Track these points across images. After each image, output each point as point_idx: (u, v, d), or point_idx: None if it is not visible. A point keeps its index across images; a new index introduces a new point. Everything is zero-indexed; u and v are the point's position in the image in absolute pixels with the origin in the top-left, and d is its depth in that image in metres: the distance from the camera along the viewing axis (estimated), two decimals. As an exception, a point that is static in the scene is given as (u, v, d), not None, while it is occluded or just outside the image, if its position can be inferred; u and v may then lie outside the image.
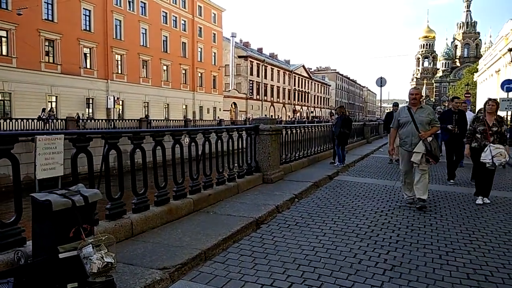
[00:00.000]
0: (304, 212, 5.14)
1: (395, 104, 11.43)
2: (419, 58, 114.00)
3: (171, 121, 37.65)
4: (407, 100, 5.88)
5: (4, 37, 26.81)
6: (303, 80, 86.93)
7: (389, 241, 3.99)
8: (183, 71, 46.27)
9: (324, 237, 4.10)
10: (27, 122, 22.99)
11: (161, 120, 36.26)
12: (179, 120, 38.40)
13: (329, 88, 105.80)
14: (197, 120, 43.24)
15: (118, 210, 3.79)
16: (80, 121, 26.28)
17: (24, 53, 27.41)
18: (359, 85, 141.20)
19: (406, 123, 5.56)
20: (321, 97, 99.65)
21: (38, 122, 23.75)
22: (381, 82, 22.32)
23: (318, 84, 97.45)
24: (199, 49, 49.21)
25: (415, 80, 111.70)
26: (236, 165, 6.43)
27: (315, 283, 2.97)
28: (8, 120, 22.92)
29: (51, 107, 28.78)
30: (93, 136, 3.58)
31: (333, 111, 13.56)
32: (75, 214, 2.64)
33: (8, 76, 26.53)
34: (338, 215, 5.02)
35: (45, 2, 29.31)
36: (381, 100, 29.87)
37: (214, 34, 52.65)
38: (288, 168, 8.20)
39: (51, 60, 30.11)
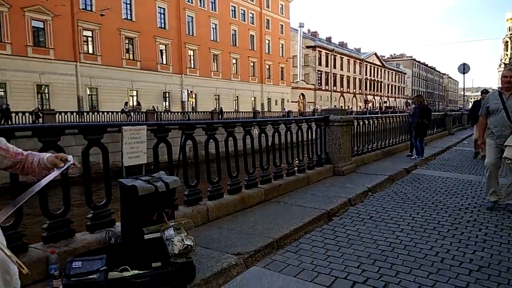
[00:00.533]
0: (379, 206, 4.94)
1: (484, 91, 10.15)
2: (507, 42, 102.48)
3: (241, 113, 38.55)
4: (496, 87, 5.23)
5: (89, 37, 29.42)
6: (376, 69, 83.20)
7: (475, 240, 3.68)
8: (252, 64, 46.95)
9: (401, 233, 3.90)
10: (112, 115, 25.13)
11: (231, 112, 37.31)
12: (248, 112, 39.18)
13: (404, 76, 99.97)
14: (265, 112, 43.74)
15: (195, 196, 3.98)
16: (155, 113, 28.04)
17: (107, 51, 29.88)
18: (439, 72, 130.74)
19: (496, 110, 4.76)
20: (395, 86, 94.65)
21: (121, 115, 25.86)
22: (463, 68, 20.53)
23: (392, 72, 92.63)
24: (267, 41, 49.48)
25: (502, 66, 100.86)
26: (305, 156, 6.39)
27: (393, 279, 2.84)
28: (95, 113, 25.29)
29: (138, 101, 30.98)
30: (172, 127, 3.78)
31: (409, 100, 12.76)
32: (158, 199, 2.83)
33: (94, 73, 29.15)
34: (417, 210, 4.74)
35: (124, 3, 31.51)
36: (464, 88, 27.50)
37: (282, 25, 52.51)
38: (360, 160, 7.93)
39: (131, 57, 32.42)
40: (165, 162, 3.81)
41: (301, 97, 58.74)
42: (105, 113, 25.16)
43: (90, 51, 29.52)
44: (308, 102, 59.26)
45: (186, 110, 34.48)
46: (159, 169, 3.58)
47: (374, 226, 4.13)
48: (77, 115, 24.02)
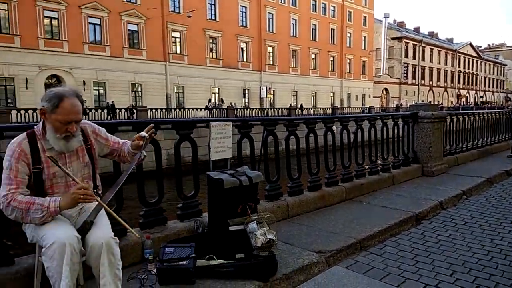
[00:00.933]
0: (475, 211, 4.50)
1: None
2: None
3: (319, 109, 38.02)
4: None
5: (177, 37, 31.36)
6: (470, 60, 75.75)
7: None
8: (331, 58, 45.93)
9: (501, 241, 3.51)
10: (195, 111, 26.56)
11: (309, 108, 36.99)
12: (327, 108, 38.45)
13: (503, 68, 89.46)
14: (345, 108, 42.51)
15: (275, 192, 4.03)
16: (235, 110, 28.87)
17: (193, 50, 31.59)
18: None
19: None
20: (493, 79, 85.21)
21: (204, 111, 27.20)
22: None
23: (489, 64, 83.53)
24: (348, 34, 47.93)
25: None
26: (390, 155, 6.07)
27: (492, 292, 2.58)
28: (182, 109, 26.95)
29: (221, 98, 32.36)
30: (254, 123, 3.86)
31: (509, 95, 11.38)
32: (242, 192, 2.91)
33: (181, 72, 31.04)
34: (520, 217, 4.23)
35: (209, 3, 32.96)
36: None
37: (365, 17, 50.42)
38: (452, 160, 7.30)
39: (214, 56, 33.87)
40: (247, 157, 3.91)
41: (384, 92, 55.94)
42: (190, 110, 26.67)
43: (178, 51, 31.46)
44: (391, 97, 56.22)
45: (264, 107, 35.00)
46: (242, 164, 3.69)
47: (469, 232, 3.78)
48: (166, 112, 25.82)
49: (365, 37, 50.91)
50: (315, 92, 43.67)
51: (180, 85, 31.58)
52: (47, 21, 24.46)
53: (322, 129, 4.67)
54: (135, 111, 23.86)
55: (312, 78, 42.95)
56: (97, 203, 2.04)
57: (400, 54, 58.24)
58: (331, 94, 46.26)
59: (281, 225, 3.76)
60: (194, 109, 26.69)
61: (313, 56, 43.48)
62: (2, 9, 22.68)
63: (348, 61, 48.23)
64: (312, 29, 43.07)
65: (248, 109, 31.91)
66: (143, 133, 2.31)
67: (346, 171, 5.03)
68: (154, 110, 24.01)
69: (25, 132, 2.07)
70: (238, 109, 29.95)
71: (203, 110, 27.24)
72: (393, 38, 58.14)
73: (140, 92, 29.37)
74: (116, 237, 2.07)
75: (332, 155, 4.81)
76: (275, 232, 2.83)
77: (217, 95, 33.97)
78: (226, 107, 28.53)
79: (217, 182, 2.87)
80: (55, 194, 2.06)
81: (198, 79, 32.09)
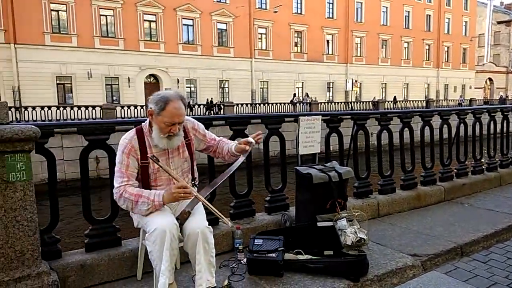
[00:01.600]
0: None
1: None
2: None
3: (411, 101, 35.57)
4: None
5: (263, 34, 31.83)
6: None
7: None
8: (426, 47, 42.44)
9: None
10: (279, 106, 26.78)
11: (400, 101, 34.81)
12: (420, 101, 35.77)
13: None
14: (441, 100, 39.09)
15: (365, 189, 3.87)
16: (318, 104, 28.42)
17: (277, 46, 31.79)
18: None
19: None
20: None
21: (287, 106, 27.30)
22: None
23: None
24: (447, 20, 43.76)
25: None
26: (498, 152, 5.41)
27: None
28: (266, 105, 27.41)
29: (306, 93, 32.17)
30: (344, 117, 3.74)
31: None
32: (331, 188, 2.85)
33: (266, 67, 31.49)
34: None
35: (294, -3, 32.81)
36: None
37: (466, 0, 45.56)
38: None
39: (298, 50, 33.68)
40: (335, 152, 3.81)
41: (487, 82, 50.16)
42: (274, 105, 26.99)
43: (263, 47, 31.97)
44: (496, 88, 50.15)
45: (350, 100, 33.82)
46: (330, 159, 3.61)
47: None
48: (251, 107, 26.50)
49: (466, 22, 46.00)
50: (407, 84, 40.85)
51: (264, 80, 32.08)
52: (146, 24, 26.70)
53: (418, 123, 4.35)
54: (222, 106, 24.93)
55: (404, 69, 40.21)
56: (196, 193, 2.17)
57: (508, 40, 51.54)
58: (425, 86, 42.83)
59: (370, 224, 3.57)
60: (278, 104, 26.94)
61: (405, 45, 40.62)
62: (108, 15, 25.32)
63: (445, 49, 44.12)
64: (405, 16, 40.20)
65: (333, 103, 31.16)
66: (251, 139, 2.40)
67: (445, 169, 4.63)
68: (240, 106, 24.80)
69: (135, 129, 2.27)
70: (322, 103, 29.42)
71: (286, 104, 27.33)
72: (499, 22, 51.71)
73: (227, 89, 30.55)
74: (210, 227, 2.18)
75: (430, 151, 4.45)
76: (366, 231, 2.71)
77: (300, 89, 33.77)
78: (310, 101, 28.25)
79: (306, 177, 2.85)
80: (158, 186, 2.25)
81: (282, 74, 32.25)
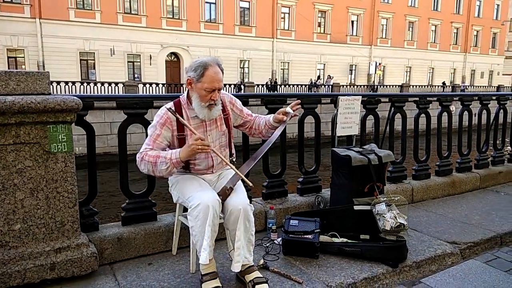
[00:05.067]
0: None
1: None
2: None
3: (435, 86, 34.54)
4: None
5: (286, 13, 31.16)
6: None
7: None
8: (455, 30, 40.83)
9: None
10: (300, 87, 26.43)
11: (423, 86, 33.84)
12: (445, 86, 34.69)
13: None
14: (467, 86, 37.82)
15: (399, 174, 3.76)
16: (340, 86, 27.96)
17: (300, 26, 31.10)
18: None
19: None
20: None
21: (308, 88, 26.92)
22: None
23: None
24: (478, 3, 41.84)
25: None
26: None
27: None
28: (286, 86, 27.09)
29: (328, 75, 31.55)
30: (382, 98, 3.60)
31: None
32: (370, 171, 2.76)
33: (287, 48, 30.95)
34: None
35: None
36: None
37: (500, -19, 43.40)
38: None
39: (322, 31, 32.89)
40: (368, 134, 3.70)
41: (517, 68, 48.11)
42: (294, 86, 26.64)
43: (286, 27, 31.35)
44: (527, 75, 48.08)
45: (372, 84, 33.05)
46: (365, 141, 3.51)
47: None
48: (271, 88, 26.22)
49: (498, 5, 43.88)
50: (432, 68, 39.59)
51: (285, 61, 31.58)
52: (169, 1, 26.45)
53: (458, 108, 4.18)
54: (242, 87, 24.77)
55: (430, 53, 38.88)
56: (234, 172, 2.11)
57: (544, 23, 48.98)
58: (451, 71, 41.45)
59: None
60: (298, 86, 26.57)
61: (433, 28, 39.13)
62: (131, -7, 25.24)
63: (475, 33, 42.35)
64: (434, -3, 38.68)
65: (355, 86, 30.52)
66: (289, 109, 2.33)
67: (481, 156, 4.47)
68: (260, 86, 24.56)
69: (173, 101, 2.22)
70: (343, 86, 28.87)
71: (306, 86, 26.94)
72: (535, 4, 49.02)
73: (247, 69, 30.25)
74: (251, 205, 2.13)
75: (467, 137, 4.28)
76: (406, 216, 2.63)
77: (322, 71, 33.15)
78: (332, 83, 27.75)
79: (344, 159, 2.76)
80: (196, 159, 2.21)
81: (303, 55, 31.64)
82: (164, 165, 2.02)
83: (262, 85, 24.73)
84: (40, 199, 2.10)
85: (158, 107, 2.26)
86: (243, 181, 2.18)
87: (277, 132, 2.36)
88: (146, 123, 2.58)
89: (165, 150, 2.15)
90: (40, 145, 2.08)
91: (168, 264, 2.44)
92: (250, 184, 2.20)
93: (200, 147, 1.98)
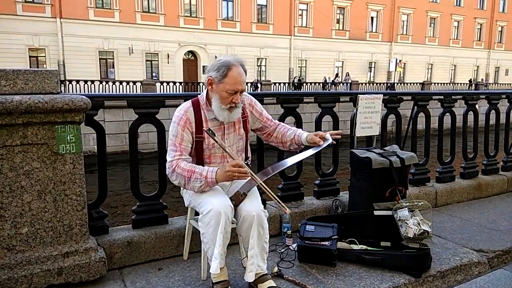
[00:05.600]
0: None
1: None
2: None
3: (458, 84, 33.60)
4: None
5: (304, 10, 30.82)
6: None
7: None
8: (478, 26, 39.60)
9: None
10: (315, 86, 26.14)
11: (445, 83, 32.96)
12: (468, 84, 33.72)
13: None
14: (490, 84, 36.65)
15: (422, 176, 3.58)
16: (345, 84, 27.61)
17: (318, 23, 30.74)
18: None
19: None
20: None
21: (324, 86, 26.59)
22: None
23: None
24: (503, -3, 40.50)
25: None
26: None
27: None
28: (304, 84, 26.84)
29: (346, 72, 31.11)
30: (404, 97, 3.43)
31: None
32: (392, 174, 2.61)
33: (305, 45, 30.62)
34: None
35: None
36: None
37: (527, -26, 41.80)
38: None
39: (340, 27, 32.42)
40: (389, 134, 3.53)
41: (545, 65, 46.34)
42: (312, 84, 26.35)
43: (304, 24, 31.02)
44: (555, 72, 46.27)
45: (392, 81, 32.38)
46: (386, 142, 3.35)
47: None
48: (289, 86, 26.01)
49: (524, -1, 42.39)
50: (454, 65, 38.53)
51: (303, 59, 31.27)
52: (186, 0, 26.54)
53: (484, 106, 3.96)
54: (259, 85, 24.63)
55: (452, 49, 37.82)
56: (253, 175, 1.99)
57: None
58: (475, 68, 40.25)
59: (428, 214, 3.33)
60: (315, 84, 26.28)
61: (455, 23, 38.04)
62: (149, -9, 25.42)
63: (499, 28, 40.98)
64: (457, -8, 37.58)
65: (374, 84, 29.97)
66: (328, 136, 2.19)
67: (509, 158, 4.23)
68: (277, 85, 24.39)
69: (191, 101, 2.11)
70: (362, 84, 28.38)
71: (321, 84, 26.64)
72: None
73: (264, 67, 30.09)
74: (266, 211, 2.02)
75: (494, 138, 4.06)
76: (430, 223, 2.47)
77: (340, 68, 32.68)
78: (351, 81, 27.33)
79: (364, 161, 2.62)
80: (212, 163, 2.09)
81: (321, 53, 31.25)
82: (199, 182, 1.93)
83: (279, 83, 24.53)
84: (48, 201, 2.04)
85: (171, 106, 2.17)
86: (269, 197, 2.04)
87: (307, 154, 2.21)
88: (157, 123, 2.51)
89: (191, 153, 2.06)
90: (48, 146, 2.02)
91: (178, 270, 2.35)
92: (286, 209, 2.03)
93: (237, 174, 1.90)
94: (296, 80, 26.44)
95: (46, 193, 2.03)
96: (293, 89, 25.07)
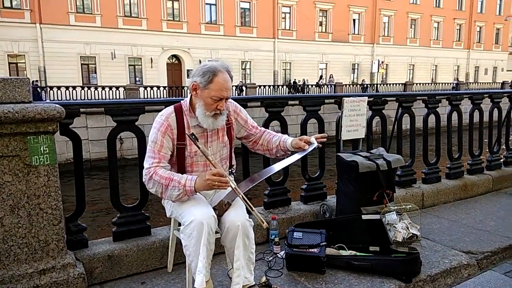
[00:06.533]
0: None
1: None
2: None
3: (439, 84, 34.19)
4: None
5: (287, 13, 30.95)
6: None
7: None
8: (457, 27, 40.46)
9: None
10: (314, 89, 26.28)
11: (427, 83, 33.51)
12: (449, 83, 34.34)
13: None
14: (470, 83, 37.43)
15: (408, 178, 3.57)
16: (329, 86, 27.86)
17: (301, 25, 30.90)
18: None
19: None
20: None
21: (312, 88, 26.73)
22: None
23: None
24: (481, -3, 41.49)
25: None
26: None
27: None
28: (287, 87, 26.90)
29: (330, 74, 31.28)
30: (389, 99, 3.42)
31: None
32: (379, 178, 2.57)
33: (289, 48, 30.74)
34: None
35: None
36: None
37: (502, -24, 42.99)
38: None
39: (323, 30, 32.67)
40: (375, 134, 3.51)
41: (522, 64, 47.62)
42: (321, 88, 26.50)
43: (287, 27, 31.14)
44: (532, 71, 47.60)
45: (375, 82, 32.75)
46: (372, 145, 3.32)
47: None
48: (273, 89, 26.00)
49: (501, 0, 43.52)
50: (435, 66, 39.25)
51: (287, 61, 31.37)
52: (169, 3, 26.32)
53: (467, 106, 3.98)
54: (244, 88, 24.57)
55: (433, 50, 38.53)
56: (234, 185, 1.92)
57: (548, 18, 48.45)
58: (455, 68, 41.06)
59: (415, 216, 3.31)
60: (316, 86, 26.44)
61: (435, 24, 38.78)
62: (131, -4, 25.12)
63: (478, 29, 41.94)
64: (437, -7, 38.29)
65: (356, 85, 30.24)
66: (313, 140, 2.12)
67: (493, 157, 4.27)
68: (262, 87, 24.36)
69: (173, 106, 2.03)
70: (346, 86, 28.60)
71: (311, 86, 26.79)
72: (539, -1, 48.54)
73: (249, 70, 30.06)
74: (251, 220, 1.95)
75: (478, 137, 4.08)
76: (419, 226, 2.44)
77: (324, 70, 32.91)
78: (335, 83, 27.50)
79: (351, 165, 2.58)
80: (194, 172, 2.01)
81: (305, 55, 31.42)
82: (176, 190, 1.85)
83: (264, 86, 24.49)
84: (22, 216, 1.93)
85: (155, 111, 2.09)
86: (249, 210, 1.92)
87: (293, 159, 2.13)
88: (137, 131, 2.42)
89: (171, 161, 1.98)
90: (20, 158, 1.91)
91: (162, 283, 2.26)
92: (264, 222, 1.85)
93: (217, 184, 1.81)
94: (297, 83, 26.71)
95: (19, 207, 1.92)
96: (293, 91, 25.18)
